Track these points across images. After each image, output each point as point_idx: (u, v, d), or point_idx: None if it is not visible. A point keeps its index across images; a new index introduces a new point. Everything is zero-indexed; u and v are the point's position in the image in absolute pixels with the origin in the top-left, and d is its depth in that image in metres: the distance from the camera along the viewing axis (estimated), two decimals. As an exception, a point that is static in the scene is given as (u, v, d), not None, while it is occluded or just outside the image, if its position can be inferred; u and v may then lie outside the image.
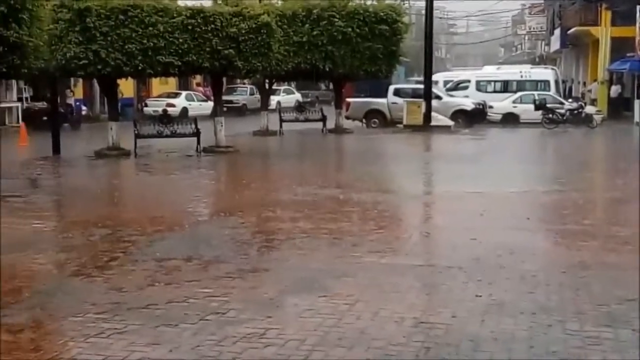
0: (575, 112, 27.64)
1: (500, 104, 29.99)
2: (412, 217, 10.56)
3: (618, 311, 5.63)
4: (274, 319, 5.46)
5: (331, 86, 32.34)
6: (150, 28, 17.07)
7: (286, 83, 40.93)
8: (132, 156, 17.91)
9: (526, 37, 70.25)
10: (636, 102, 28.84)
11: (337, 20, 23.28)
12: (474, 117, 28.16)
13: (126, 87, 30.25)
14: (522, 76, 33.04)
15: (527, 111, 28.58)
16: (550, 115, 27.31)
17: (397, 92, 28.95)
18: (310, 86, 46.43)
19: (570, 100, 31.30)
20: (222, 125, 19.30)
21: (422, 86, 27.97)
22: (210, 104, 27.28)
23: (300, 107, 27.97)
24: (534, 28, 60.03)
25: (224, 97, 25.30)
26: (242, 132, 24.54)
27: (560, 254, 7.88)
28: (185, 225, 9.38)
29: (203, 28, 17.36)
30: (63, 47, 16.66)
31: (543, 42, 58.77)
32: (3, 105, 28.19)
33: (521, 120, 28.87)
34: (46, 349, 4.96)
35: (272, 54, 18.66)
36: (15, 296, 6.12)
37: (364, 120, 28.73)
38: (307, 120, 26.16)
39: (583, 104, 29.38)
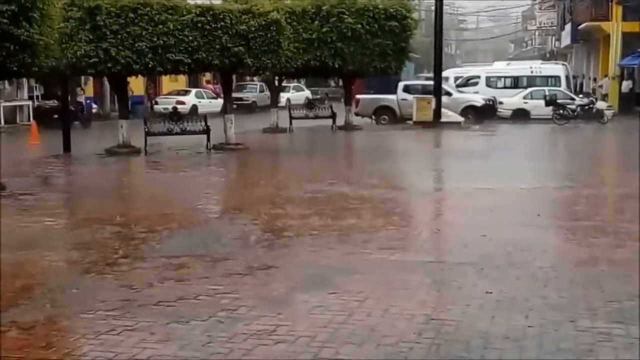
0: (586, 107, 27.50)
1: (511, 99, 29.89)
2: (422, 213, 10.54)
3: (629, 307, 5.60)
4: (285, 316, 5.46)
5: (341, 83, 32.36)
6: (160, 26, 17.10)
7: (296, 80, 40.88)
8: (143, 154, 17.95)
9: (536, 33, 69.87)
10: (647, 97, 28.73)
11: (346, 16, 23.25)
12: (484, 113, 28.08)
13: (136, 85, 30.32)
14: (532, 72, 32.91)
15: (537, 107, 28.47)
16: (561, 111, 27.19)
17: (407, 89, 28.90)
18: (319, 83, 46.39)
19: (581, 95, 31.14)
20: (231, 123, 19.33)
21: (431, 82, 27.90)
22: (220, 101, 27.33)
23: (309, 104, 27.94)
24: (544, 23, 59.70)
25: (234, 95, 25.30)
26: (251, 130, 24.55)
27: (571, 250, 7.85)
28: (196, 223, 9.41)
29: (213, 25, 17.37)
30: (73, 46, 16.71)
31: (553, 38, 58.48)
32: (14, 103, 28.32)
33: (532, 116, 28.78)
34: (57, 346, 4.99)
35: (282, 51, 18.66)
36: (27, 293, 6.16)
37: (373, 117, 28.69)
38: (316, 117, 26.15)
39: (594, 100, 29.24)
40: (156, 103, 34.33)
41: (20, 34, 11.73)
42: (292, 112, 26.03)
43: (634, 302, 5.72)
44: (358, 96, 28.74)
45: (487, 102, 28.59)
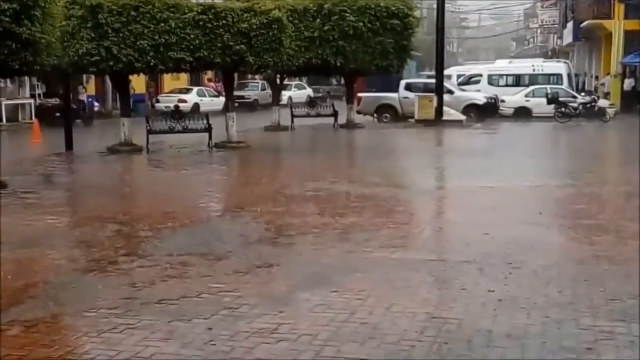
0: (588, 105, 27.47)
1: (513, 97, 29.87)
2: (424, 211, 10.54)
3: (631, 306, 5.60)
4: (286, 314, 5.47)
5: (342, 81, 32.33)
6: (162, 24, 17.11)
7: (297, 78, 40.92)
8: (144, 152, 17.96)
9: (538, 31, 69.79)
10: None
11: (348, 15, 23.24)
12: (486, 111, 28.07)
13: (138, 83, 30.34)
14: (534, 70, 32.88)
15: (539, 105, 28.45)
16: (563, 109, 27.17)
17: (409, 87, 28.89)
18: (321, 81, 46.38)
19: (583, 93, 31.11)
20: (233, 121, 19.33)
21: (433, 80, 27.90)
22: (222, 99, 27.31)
23: (311, 102, 27.94)
24: (546, 21, 59.62)
25: (236, 93, 25.31)
26: (253, 128, 24.57)
27: (573, 248, 7.85)
28: (198, 221, 9.41)
29: (214, 24, 17.38)
30: (75, 44, 16.72)
31: (555, 36, 58.42)
32: (16, 101, 28.34)
33: (533, 114, 28.76)
34: (60, 344, 4.99)
35: (284, 49, 18.65)
36: (29, 291, 6.16)
37: (375, 115, 28.68)
38: (318, 115, 26.15)
39: (596, 98, 29.21)
40: (157, 101, 34.35)
41: (22, 32, 11.73)
42: (293, 110, 26.04)
43: (636, 300, 5.72)
44: (360, 94, 28.73)
45: (489, 100, 28.58)
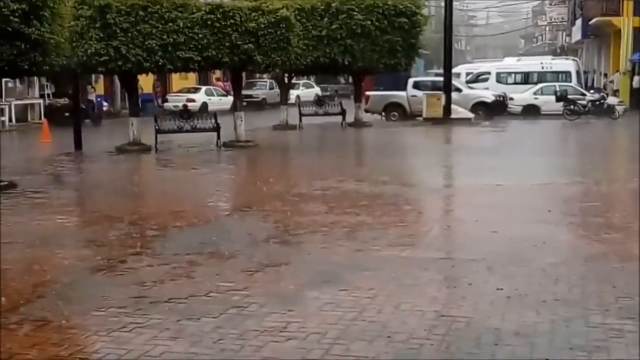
0: (597, 103, 27.37)
1: (521, 95, 29.79)
2: (433, 210, 10.53)
3: (641, 304, 5.58)
4: (295, 313, 5.47)
5: (350, 80, 32.32)
6: (170, 24, 17.14)
7: (305, 77, 40.91)
8: (153, 151, 18.01)
9: (547, 28, 69.59)
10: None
11: (356, 13, 23.22)
12: (494, 109, 28.01)
13: (146, 83, 30.42)
14: (543, 67, 32.78)
15: (548, 103, 28.36)
16: (572, 107, 27.08)
17: (417, 85, 28.85)
18: (329, 80, 46.39)
19: (592, 91, 31.00)
20: (241, 120, 19.35)
21: (441, 79, 27.86)
22: (230, 98, 27.36)
23: (319, 101, 27.95)
24: (554, 19, 59.45)
25: (244, 92, 25.34)
26: (261, 127, 24.59)
27: (582, 246, 7.83)
28: (206, 220, 9.43)
29: (222, 23, 17.40)
30: (84, 44, 16.78)
31: (564, 33, 58.22)
32: (26, 102, 28.44)
33: (542, 112, 28.66)
34: (69, 342, 5.01)
35: (291, 48, 18.66)
36: (39, 291, 6.19)
37: (383, 114, 28.66)
38: (326, 114, 26.15)
39: (605, 95, 29.10)
40: (166, 101, 34.42)
41: (31, 33, 11.78)
42: (301, 109, 26.04)
43: (646, 298, 5.70)
44: (368, 93, 28.70)
45: (498, 98, 28.51)
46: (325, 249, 7.57)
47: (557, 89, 28.73)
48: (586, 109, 26.97)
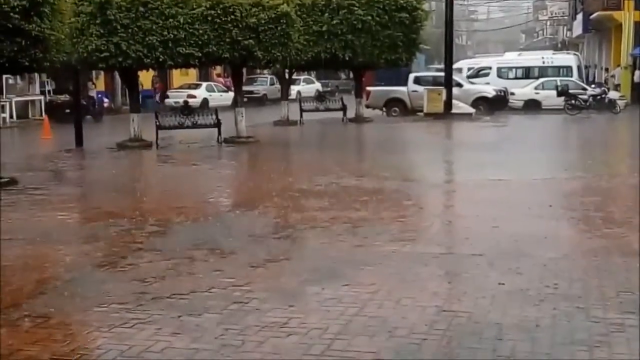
0: (598, 97, 27.35)
1: (522, 90, 29.77)
2: (434, 205, 10.52)
3: (642, 298, 5.58)
4: (297, 308, 5.48)
5: (351, 75, 32.30)
6: (171, 20, 17.13)
7: (306, 73, 40.86)
8: (154, 147, 18.01)
9: (548, 23, 69.49)
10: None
11: (356, 8, 23.20)
12: (495, 104, 27.99)
13: (146, 79, 30.40)
14: (544, 62, 32.76)
15: (549, 97, 28.35)
16: (573, 102, 27.05)
17: (418, 80, 28.83)
18: (330, 75, 46.35)
19: (593, 86, 30.97)
20: (242, 116, 19.34)
21: (442, 74, 27.84)
22: (231, 94, 27.37)
23: (320, 97, 27.94)
24: (555, 13, 59.40)
25: (244, 88, 25.31)
26: (262, 122, 24.58)
27: (583, 241, 7.83)
28: (208, 216, 9.43)
29: (223, 19, 17.38)
30: (84, 40, 16.78)
31: (565, 28, 58.14)
32: (26, 98, 28.45)
33: (543, 107, 28.66)
34: (71, 338, 5.02)
35: (292, 44, 18.64)
36: (40, 287, 6.20)
37: (384, 109, 28.64)
38: (327, 109, 26.14)
39: (606, 90, 29.07)
40: (166, 97, 34.41)
41: (31, 29, 11.78)
42: (302, 104, 26.03)
43: (647, 292, 5.70)
44: (368, 88, 28.69)
45: (499, 93, 28.49)
46: (327, 245, 7.58)
47: (558, 83, 28.70)
48: (587, 104, 26.95)
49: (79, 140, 18.41)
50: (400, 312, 5.39)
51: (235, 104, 20.07)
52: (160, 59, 17.39)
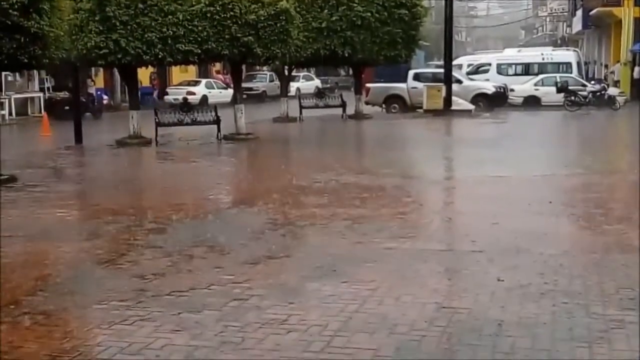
0: (598, 94, 27.34)
1: (522, 87, 29.76)
2: (434, 202, 10.52)
3: (642, 294, 5.58)
4: (296, 305, 5.48)
5: (350, 72, 32.27)
6: (170, 16, 17.10)
7: (305, 69, 40.86)
8: (153, 144, 18.00)
9: (547, 19, 69.44)
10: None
11: (356, 5, 23.17)
12: (495, 101, 27.98)
13: (145, 76, 30.36)
14: (543, 58, 32.72)
15: (548, 94, 28.34)
16: (573, 98, 27.04)
17: (417, 77, 28.80)
18: (329, 72, 46.35)
19: (592, 82, 30.97)
20: (242, 113, 19.33)
21: (442, 70, 27.81)
22: (230, 91, 27.33)
23: (319, 93, 27.91)
24: (555, 9, 59.34)
25: (244, 84, 25.32)
26: (262, 119, 24.57)
27: (583, 237, 7.83)
28: (207, 213, 9.43)
29: (222, 15, 17.34)
30: (84, 37, 16.76)
31: (565, 24, 58.08)
32: (26, 95, 28.43)
33: (543, 103, 28.65)
34: (71, 335, 5.02)
35: (291, 41, 18.62)
36: (40, 284, 6.20)
37: (383, 106, 28.62)
38: (326, 106, 26.12)
39: (606, 86, 29.06)
40: (166, 94, 34.39)
41: (30, 26, 11.76)
42: (302, 101, 26.01)
43: (647, 289, 5.70)
44: (368, 85, 28.67)
45: (498, 90, 28.48)
46: (327, 242, 7.57)
47: (558, 80, 28.70)
48: (587, 100, 26.94)
49: (78, 138, 18.39)
50: (400, 308, 5.39)
51: (235, 100, 20.05)
52: (160, 56, 17.37)
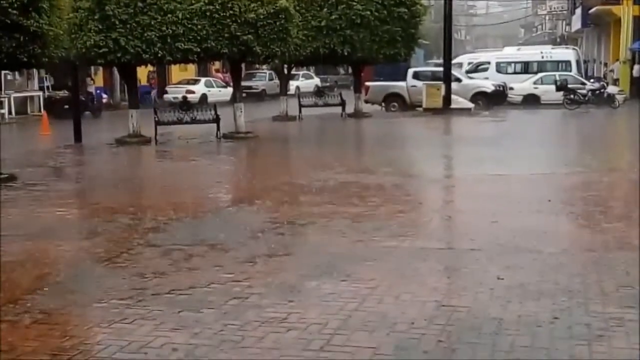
0: (597, 92, 27.35)
1: (521, 85, 29.76)
2: (433, 200, 10.52)
3: (641, 293, 5.58)
4: (296, 303, 5.48)
5: (350, 70, 32.28)
6: (169, 15, 17.10)
7: (305, 68, 40.85)
8: (153, 143, 18.00)
9: (547, 17, 69.42)
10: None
11: (355, 3, 23.17)
12: (494, 99, 27.99)
13: (143, 75, 30.34)
14: (543, 57, 32.72)
15: (548, 92, 28.34)
16: (572, 96, 27.04)
17: (417, 75, 28.80)
18: (329, 71, 46.35)
19: (592, 80, 30.97)
20: (241, 111, 19.33)
21: (441, 69, 27.82)
22: (230, 90, 27.33)
23: (319, 92, 27.92)
24: (554, 8, 59.34)
25: (243, 83, 25.32)
26: (261, 118, 24.57)
27: (582, 235, 7.84)
28: (207, 211, 9.43)
29: (221, 14, 17.34)
30: (83, 36, 16.75)
31: (564, 22, 58.07)
32: (25, 94, 28.43)
33: (542, 102, 28.66)
34: (71, 334, 5.02)
35: (291, 39, 18.61)
36: (40, 283, 6.20)
37: (383, 104, 28.63)
38: (326, 104, 26.12)
39: (605, 84, 29.06)
40: (165, 92, 34.37)
41: (29, 25, 11.77)
42: (301, 100, 26.02)
43: (646, 287, 5.71)
44: (367, 83, 28.67)
45: (497, 88, 28.49)
46: (326, 240, 7.58)
47: (557, 78, 28.71)
48: (586, 98, 26.94)
49: (78, 136, 18.39)
50: (400, 307, 5.39)
51: (234, 99, 20.05)
52: (159, 55, 17.37)
